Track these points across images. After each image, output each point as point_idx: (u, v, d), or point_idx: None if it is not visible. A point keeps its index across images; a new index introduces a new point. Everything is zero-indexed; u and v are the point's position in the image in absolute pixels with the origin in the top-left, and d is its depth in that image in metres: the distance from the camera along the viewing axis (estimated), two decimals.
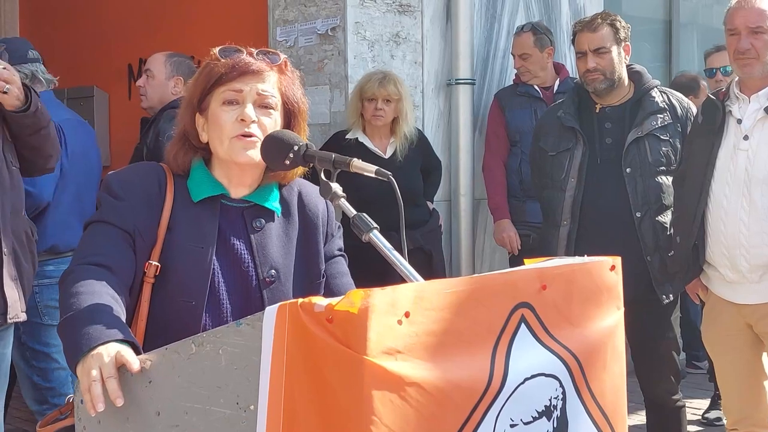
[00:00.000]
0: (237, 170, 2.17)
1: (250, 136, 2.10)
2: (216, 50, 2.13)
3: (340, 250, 2.33)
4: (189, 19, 6.23)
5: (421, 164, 4.90)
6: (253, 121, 2.11)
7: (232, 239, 2.14)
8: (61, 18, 7.23)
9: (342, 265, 2.33)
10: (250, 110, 2.11)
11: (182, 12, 6.30)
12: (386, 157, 4.71)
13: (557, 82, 5.32)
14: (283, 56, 2.18)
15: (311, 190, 2.29)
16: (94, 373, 1.73)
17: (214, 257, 2.09)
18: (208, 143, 2.17)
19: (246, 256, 2.14)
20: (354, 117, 4.79)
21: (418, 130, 5.00)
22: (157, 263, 2.05)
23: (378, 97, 4.70)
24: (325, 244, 2.28)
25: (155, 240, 2.07)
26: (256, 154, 2.12)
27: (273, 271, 2.15)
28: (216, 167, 2.17)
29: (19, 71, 3.33)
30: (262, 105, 2.13)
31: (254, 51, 2.16)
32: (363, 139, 4.76)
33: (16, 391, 4.48)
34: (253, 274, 2.13)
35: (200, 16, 6.16)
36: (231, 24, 5.80)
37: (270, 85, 2.13)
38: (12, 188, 3.19)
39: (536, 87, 5.26)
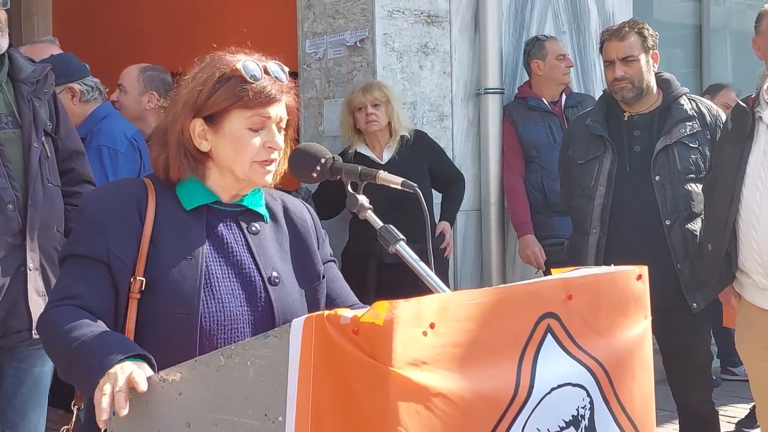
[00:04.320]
0: (237, 184, 2.16)
1: (272, 161, 2.14)
2: (242, 68, 2.09)
3: (331, 255, 2.35)
4: (218, 33, 6.26)
5: (428, 168, 4.86)
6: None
7: (230, 243, 2.14)
8: (92, 34, 7.32)
9: (334, 269, 2.34)
10: (279, 139, 2.13)
11: (211, 26, 6.36)
12: (383, 162, 4.72)
13: (564, 97, 5.34)
14: (287, 69, 2.18)
15: (294, 201, 2.33)
16: (106, 388, 1.79)
17: (208, 264, 2.09)
18: (204, 152, 2.14)
19: (246, 259, 2.14)
20: (348, 133, 4.86)
21: (418, 131, 4.97)
22: (141, 278, 2.05)
23: (366, 104, 4.76)
24: (318, 249, 2.29)
25: (136, 256, 2.06)
26: (272, 176, 2.16)
27: (275, 272, 2.15)
28: (212, 177, 2.16)
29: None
30: (279, 128, 2.15)
31: (268, 67, 2.14)
32: (361, 149, 4.81)
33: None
34: (256, 275, 2.13)
35: (229, 29, 6.19)
36: (260, 37, 5.83)
37: (284, 106, 2.15)
38: (45, 205, 3.18)
39: (545, 101, 5.27)
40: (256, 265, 2.14)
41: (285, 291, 2.15)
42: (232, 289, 2.10)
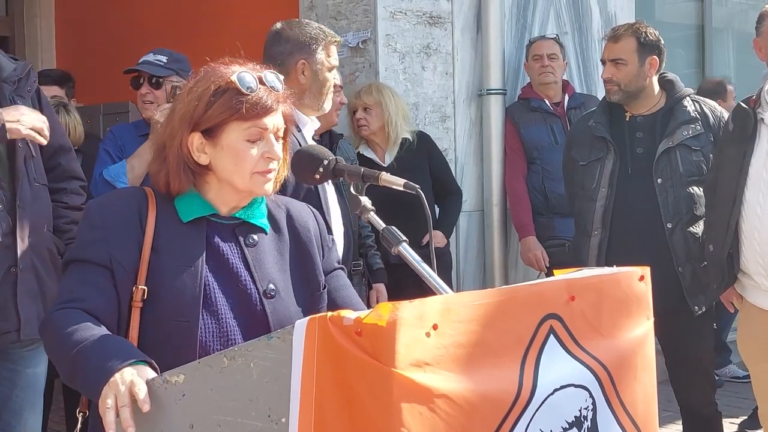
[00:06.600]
0: (237, 195, 2.16)
1: (271, 171, 2.13)
2: (236, 80, 2.08)
3: (338, 262, 2.33)
4: (221, 34, 6.29)
5: (428, 170, 4.82)
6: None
7: (226, 256, 2.13)
8: (95, 35, 7.32)
9: (343, 278, 2.33)
10: (278, 148, 2.12)
11: (214, 27, 6.36)
12: (385, 165, 4.70)
13: (566, 98, 5.33)
14: (281, 78, 2.17)
15: (299, 207, 2.31)
16: (109, 401, 1.79)
17: (206, 275, 2.09)
18: (203, 165, 2.13)
19: (243, 271, 2.13)
20: (351, 135, 4.85)
21: (421, 133, 4.94)
22: (143, 287, 2.05)
23: (357, 107, 4.76)
24: (322, 258, 2.28)
25: (138, 265, 2.07)
26: (272, 185, 2.14)
27: (271, 285, 2.14)
28: (212, 189, 2.15)
29: None
30: (277, 137, 2.14)
31: (263, 77, 2.12)
32: (365, 151, 4.79)
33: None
34: (252, 288, 2.12)
35: (232, 30, 6.21)
36: (262, 38, 5.83)
37: (280, 115, 2.14)
38: (33, 205, 3.13)
39: (547, 102, 5.26)
40: (252, 278, 2.13)
41: (281, 303, 2.14)
42: (228, 301, 2.10)
